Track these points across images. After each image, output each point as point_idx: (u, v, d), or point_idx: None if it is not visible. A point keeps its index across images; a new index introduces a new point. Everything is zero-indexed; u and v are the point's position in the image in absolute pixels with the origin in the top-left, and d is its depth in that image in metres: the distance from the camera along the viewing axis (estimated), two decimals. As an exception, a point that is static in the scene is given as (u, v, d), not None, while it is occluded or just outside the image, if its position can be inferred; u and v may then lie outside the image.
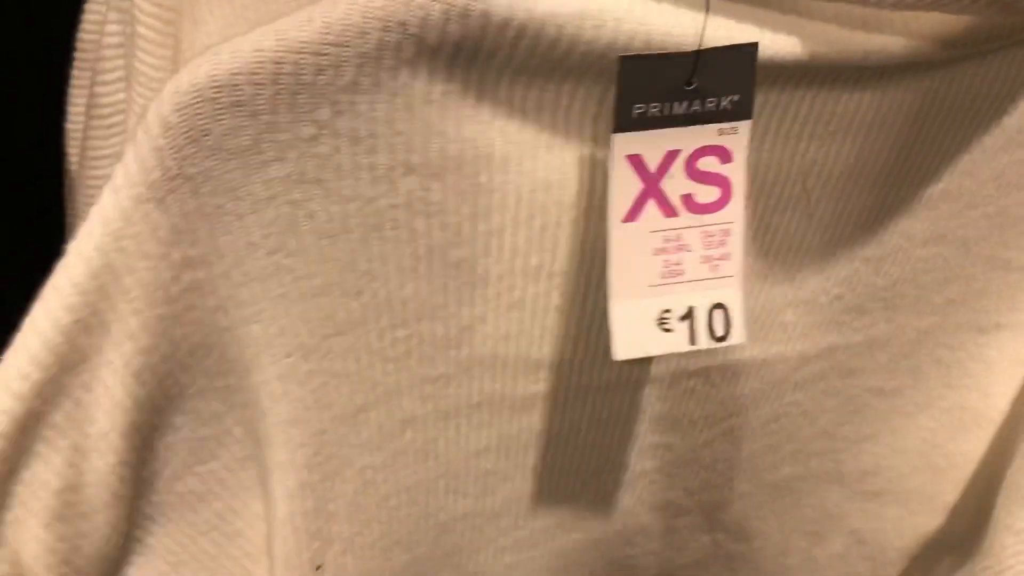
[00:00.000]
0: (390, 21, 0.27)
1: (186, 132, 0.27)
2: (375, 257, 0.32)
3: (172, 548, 0.34)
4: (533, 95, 0.30)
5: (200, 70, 0.27)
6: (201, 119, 0.27)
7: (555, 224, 0.34)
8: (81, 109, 0.43)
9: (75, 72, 0.43)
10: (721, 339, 0.34)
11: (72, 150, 0.44)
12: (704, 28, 0.29)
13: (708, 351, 0.40)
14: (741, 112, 0.31)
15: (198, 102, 0.27)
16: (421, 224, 0.31)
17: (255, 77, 0.27)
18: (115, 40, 0.39)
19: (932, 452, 0.52)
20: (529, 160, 0.31)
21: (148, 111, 0.27)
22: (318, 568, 0.36)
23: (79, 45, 0.43)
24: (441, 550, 0.41)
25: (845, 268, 0.42)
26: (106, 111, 0.41)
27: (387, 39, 0.27)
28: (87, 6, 0.42)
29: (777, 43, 0.30)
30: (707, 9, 0.28)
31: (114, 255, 0.28)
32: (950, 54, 0.34)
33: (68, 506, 0.30)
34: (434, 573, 0.42)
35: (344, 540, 0.37)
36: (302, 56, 0.27)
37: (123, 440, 0.30)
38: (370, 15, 0.26)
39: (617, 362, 0.34)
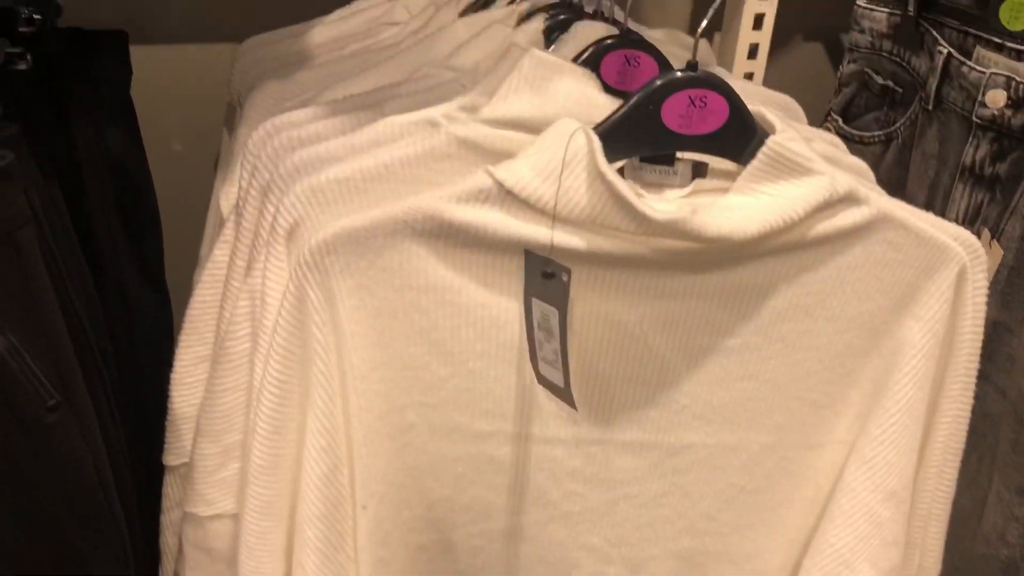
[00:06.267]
0: (399, 219, 0.57)
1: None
2: (394, 329, 0.61)
3: None
4: (474, 256, 0.58)
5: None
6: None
7: (492, 326, 0.61)
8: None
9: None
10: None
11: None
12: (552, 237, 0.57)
13: (596, 432, 0.64)
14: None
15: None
16: (416, 316, 0.60)
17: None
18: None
19: (788, 529, 0.68)
20: (473, 290, 0.60)
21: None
22: (363, 508, 0.62)
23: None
24: (432, 519, 0.63)
25: (687, 384, 0.62)
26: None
27: (399, 226, 0.56)
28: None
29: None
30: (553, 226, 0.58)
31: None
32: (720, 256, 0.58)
33: None
34: (428, 531, 0.63)
35: (378, 495, 0.62)
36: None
37: None
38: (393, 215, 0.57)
39: (537, 420, 0.61)
